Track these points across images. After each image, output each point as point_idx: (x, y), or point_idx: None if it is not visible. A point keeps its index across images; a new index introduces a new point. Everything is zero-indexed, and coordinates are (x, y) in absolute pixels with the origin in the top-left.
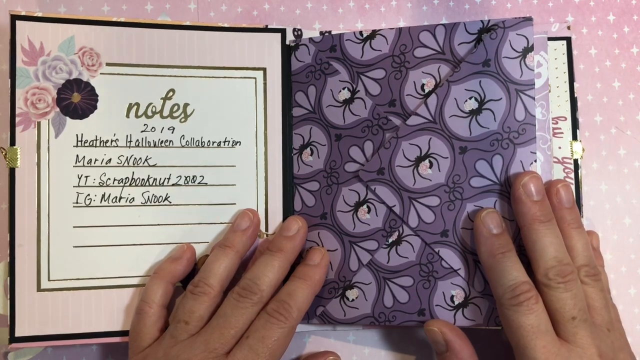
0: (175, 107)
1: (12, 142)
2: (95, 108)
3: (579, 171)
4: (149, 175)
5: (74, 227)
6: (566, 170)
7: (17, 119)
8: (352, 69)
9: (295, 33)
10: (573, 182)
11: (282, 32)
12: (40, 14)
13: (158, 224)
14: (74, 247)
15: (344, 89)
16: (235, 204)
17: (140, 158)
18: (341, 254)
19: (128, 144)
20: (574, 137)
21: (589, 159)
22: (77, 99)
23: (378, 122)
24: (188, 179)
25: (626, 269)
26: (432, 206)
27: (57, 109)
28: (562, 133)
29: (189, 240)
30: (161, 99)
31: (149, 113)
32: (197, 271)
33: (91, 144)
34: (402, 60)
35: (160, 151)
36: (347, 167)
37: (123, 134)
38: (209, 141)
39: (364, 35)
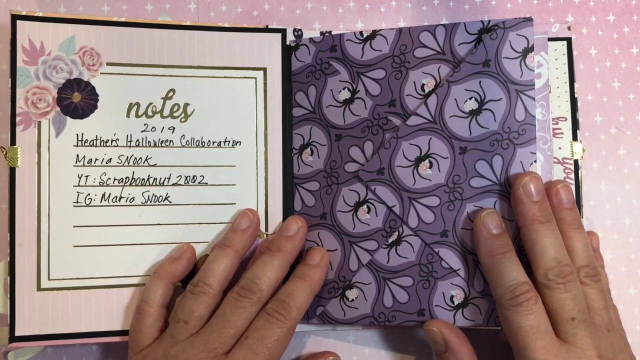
0: (176, 107)
1: (13, 142)
2: (96, 108)
3: (579, 172)
4: (149, 175)
5: (74, 226)
6: (566, 171)
7: (18, 119)
8: (352, 69)
9: (296, 33)
10: (573, 182)
11: (283, 32)
12: (40, 14)
13: (158, 224)
14: (74, 246)
15: (344, 89)
16: (235, 203)
17: (141, 158)
18: (341, 254)
19: (128, 143)
20: (574, 138)
21: (589, 159)
22: (77, 99)
23: (378, 122)
24: (188, 178)
25: (626, 269)
26: (432, 206)
27: (58, 109)
28: (562, 133)
29: (189, 240)
30: (161, 98)
31: (149, 113)
32: (197, 271)
33: (91, 143)
34: (402, 60)
35: (160, 151)
36: (347, 167)
37: (123, 134)
38: (209, 141)
39: (364, 36)
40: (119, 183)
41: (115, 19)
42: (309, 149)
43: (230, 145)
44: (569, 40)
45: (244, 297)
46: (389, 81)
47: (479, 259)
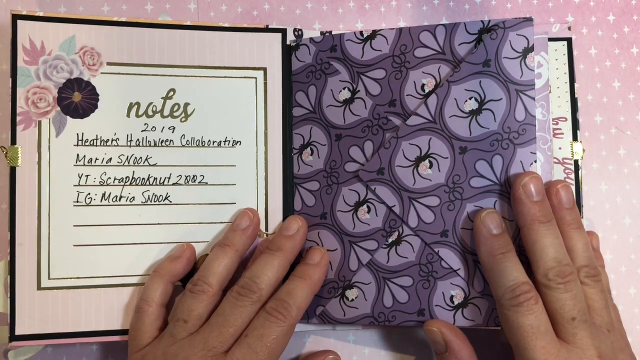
0: (176, 107)
1: (13, 141)
2: (96, 107)
3: (579, 172)
4: (149, 175)
5: (74, 226)
6: (566, 171)
7: (18, 118)
8: (352, 69)
9: (296, 33)
10: (573, 182)
11: (283, 32)
12: (41, 14)
13: (158, 223)
14: (74, 246)
15: (344, 88)
16: (235, 203)
17: (141, 157)
18: (341, 254)
19: (128, 143)
20: (574, 138)
21: (589, 159)
22: (77, 98)
23: (378, 122)
24: (188, 178)
25: (626, 269)
26: (432, 206)
27: (58, 108)
28: (562, 134)
29: (189, 239)
30: (162, 98)
31: (150, 112)
32: (197, 270)
33: (92, 143)
34: (402, 60)
35: (160, 150)
36: (347, 167)
37: (123, 134)
38: (209, 141)
39: (365, 35)
40: (119, 182)
41: (116, 19)
42: (309, 148)
43: (231, 145)
44: (569, 40)
45: (243, 296)
46: (389, 81)
47: (479, 259)
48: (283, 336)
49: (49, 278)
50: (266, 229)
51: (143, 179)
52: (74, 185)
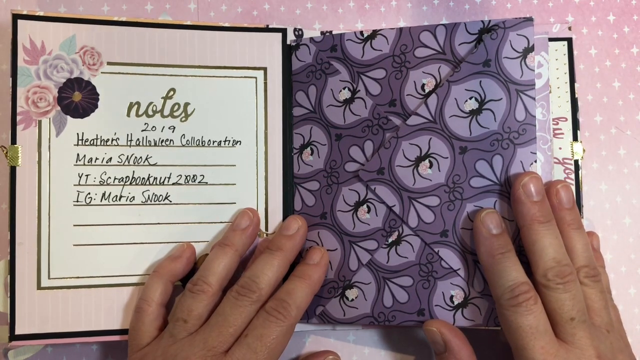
0: (176, 107)
1: (13, 141)
2: (96, 107)
3: (579, 172)
4: (149, 174)
5: (74, 225)
6: (567, 171)
7: (18, 118)
8: (352, 69)
9: (296, 33)
10: (573, 182)
11: (283, 31)
12: (41, 13)
13: (158, 223)
14: (74, 245)
15: (344, 88)
16: (235, 203)
17: (141, 157)
18: (341, 254)
19: (129, 143)
20: (575, 138)
21: (589, 159)
22: (78, 98)
23: (378, 122)
24: (188, 178)
25: (626, 269)
26: (432, 206)
27: (58, 108)
28: (562, 134)
29: (189, 239)
30: (162, 98)
31: (150, 112)
32: (197, 270)
33: (92, 142)
34: (402, 60)
35: (160, 150)
36: (347, 167)
37: (124, 133)
38: (209, 140)
39: (365, 35)
40: (119, 182)
41: (116, 19)
42: (309, 148)
43: (231, 144)
44: (569, 40)
45: (243, 296)
46: (389, 81)
47: (479, 259)
48: (283, 336)
49: (49, 278)
50: (266, 229)
51: (143, 178)
52: (74, 185)
